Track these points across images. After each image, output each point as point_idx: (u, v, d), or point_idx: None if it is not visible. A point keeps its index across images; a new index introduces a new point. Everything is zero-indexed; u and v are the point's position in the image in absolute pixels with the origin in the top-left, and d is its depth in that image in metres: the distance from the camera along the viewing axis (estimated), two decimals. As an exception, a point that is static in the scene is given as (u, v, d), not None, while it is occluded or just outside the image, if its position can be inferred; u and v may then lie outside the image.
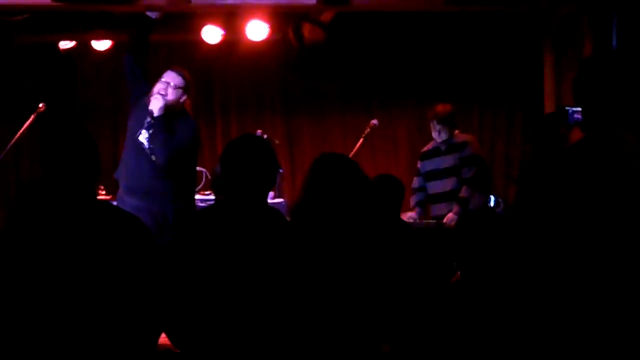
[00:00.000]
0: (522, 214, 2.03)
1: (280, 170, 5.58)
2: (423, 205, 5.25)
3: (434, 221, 5.08)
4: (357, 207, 2.72)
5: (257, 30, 5.77)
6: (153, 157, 4.18)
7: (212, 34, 5.85)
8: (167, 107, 4.19)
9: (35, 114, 4.97)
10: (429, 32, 6.24)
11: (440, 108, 5.17)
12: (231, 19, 5.77)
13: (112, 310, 2.20)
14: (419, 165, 5.36)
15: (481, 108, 6.67)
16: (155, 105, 4.17)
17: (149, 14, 4.49)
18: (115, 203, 4.25)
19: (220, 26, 5.82)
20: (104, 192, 5.50)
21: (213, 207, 2.58)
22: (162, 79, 4.24)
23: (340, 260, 2.59)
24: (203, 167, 5.63)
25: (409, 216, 5.14)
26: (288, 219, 2.72)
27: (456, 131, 5.22)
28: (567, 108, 2.71)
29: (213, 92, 6.68)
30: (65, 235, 2.21)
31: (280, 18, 5.74)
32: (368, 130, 5.25)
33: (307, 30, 5.77)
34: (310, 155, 5.52)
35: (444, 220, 5.02)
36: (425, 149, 5.34)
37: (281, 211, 2.64)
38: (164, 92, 4.20)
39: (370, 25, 6.18)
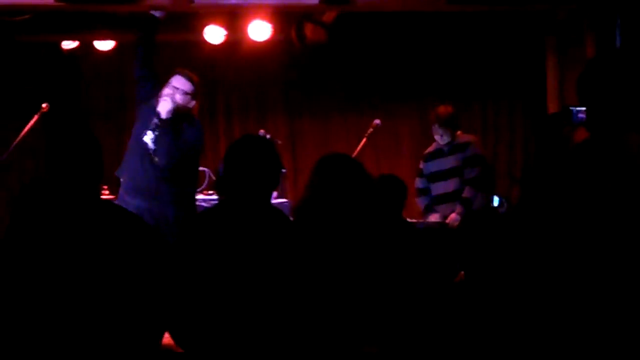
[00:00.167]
0: (526, 215, 2.03)
1: (283, 171, 5.58)
2: (431, 209, 5.24)
3: (437, 221, 5.08)
4: (361, 207, 2.72)
5: (259, 30, 5.77)
6: (156, 159, 4.19)
7: (214, 34, 5.85)
8: (175, 110, 4.19)
9: (38, 114, 4.97)
10: (431, 31, 6.23)
11: (442, 110, 5.17)
12: (234, 19, 5.77)
13: (116, 310, 2.20)
14: (421, 166, 5.35)
15: (484, 108, 6.67)
16: (164, 107, 4.17)
17: (153, 12, 4.49)
18: (116, 202, 4.25)
19: (222, 26, 5.82)
20: (107, 192, 5.50)
21: (217, 207, 2.59)
22: (171, 84, 4.23)
23: (344, 260, 2.59)
24: (206, 167, 5.63)
25: (433, 219, 5.10)
26: (291, 219, 2.72)
27: (458, 132, 5.22)
28: (571, 108, 2.70)
29: (216, 92, 6.68)
30: (69, 235, 2.22)
31: (282, 18, 5.74)
32: (371, 130, 5.25)
33: (309, 30, 5.77)
34: (313, 155, 5.51)
35: (447, 221, 5.01)
36: (428, 150, 5.33)
37: (284, 211, 2.64)
38: (172, 96, 4.19)
39: (373, 25, 6.17)
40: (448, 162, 5.16)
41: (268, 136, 5.39)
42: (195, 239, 2.44)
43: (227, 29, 5.83)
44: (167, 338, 2.46)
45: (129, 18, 5.45)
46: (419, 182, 5.32)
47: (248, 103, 6.77)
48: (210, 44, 5.93)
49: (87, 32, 5.97)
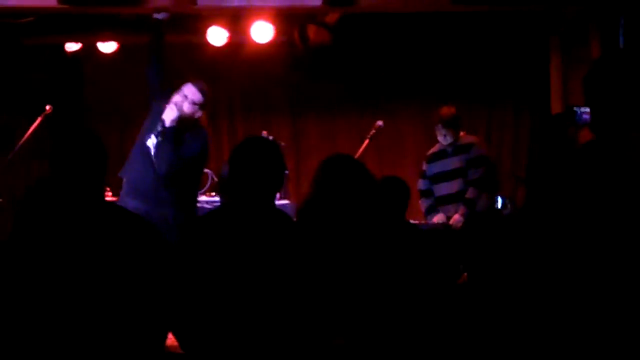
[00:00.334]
0: (531, 216, 2.02)
1: (286, 172, 5.58)
2: (434, 210, 5.24)
3: (440, 222, 5.08)
4: (364, 209, 2.72)
5: (262, 32, 5.77)
6: (156, 165, 4.19)
7: (217, 35, 5.86)
8: (180, 119, 4.19)
9: (42, 115, 4.98)
10: (434, 32, 6.23)
11: (445, 111, 5.16)
12: (236, 21, 5.77)
13: (120, 311, 2.20)
14: (424, 167, 5.34)
15: (488, 108, 6.66)
16: (169, 115, 4.18)
17: (156, 15, 4.50)
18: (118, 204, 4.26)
19: (225, 28, 5.82)
20: (110, 194, 5.50)
21: (221, 209, 2.59)
22: (182, 91, 4.23)
23: (347, 262, 2.59)
24: (209, 168, 5.64)
25: (437, 220, 5.10)
26: (295, 220, 2.72)
27: (462, 133, 5.21)
28: (575, 108, 2.69)
29: (218, 94, 6.68)
30: (74, 236, 2.22)
31: (285, 20, 5.74)
32: (374, 131, 5.25)
33: (312, 31, 5.77)
34: (316, 156, 5.51)
35: (451, 222, 5.01)
36: (431, 151, 5.33)
37: (287, 213, 2.63)
38: (180, 104, 4.19)
39: (376, 26, 6.17)
40: (451, 163, 5.15)
41: (271, 138, 5.39)
42: (199, 240, 2.44)
43: (229, 30, 5.84)
44: (171, 339, 2.46)
45: (132, 20, 5.46)
46: (421, 184, 5.31)
47: (251, 105, 6.77)
48: (213, 45, 5.94)
49: (90, 34, 5.98)
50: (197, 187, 4.47)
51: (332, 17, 5.63)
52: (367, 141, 5.21)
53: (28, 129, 4.96)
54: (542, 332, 2.01)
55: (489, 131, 6.59)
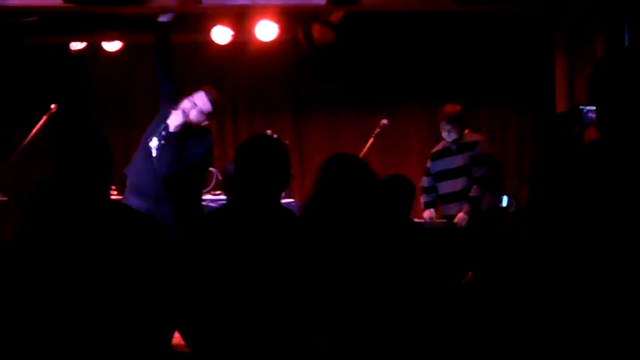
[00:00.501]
0: (535, 215, 2.02)
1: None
2: (433, 206, 5.24)
3: (444, 221, 5.07)
4: (367, 208, 2.72)
5: (266, 30, 5.77)
6: (157, 166, 4.20)
7: (221, 34, 5.86)
8: (185, 125, 4.18)
9: (47, 114, 4.99)
10: (439, 31, 6.22)
11: (449, 108, 5.16)
12: (241, 20, 5.78)
13: (126, 310, 2.21)
14: (428, 165, 5.35)
15: (492, 107, 6.65)
16: (174, 121, 4.17)
17: (161, 19, 4.49)
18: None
19: (229, 27, 5.83)
20: (115, 192, 5.51)
21: (227, 207, 2.59)
22: (193, 98, 4.20)
23: (352, 261, 2.59)
24: (213, 167, 5.64)
25: (425, 217, 5.12)
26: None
27: (466, 131, 5.21)
28: (581, 107, 2.68)
29: (223, 92, 6.67)
30: (79, 235, 2.23)
31: (289, 18, 5.74)
32: (378, 130, 5.25)
33: (316, 30, 5.77)
34: (320, 155, 5.51)
35: (455, 220, 5.01)
36: (435, 149, 5.33)
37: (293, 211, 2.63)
38: (188, 111, 4.18)
39: (380, 25, 6.17)
40: (455, 161, 5.15)
41: (275, 136, 5.39)
42: (206, 237, 2.44)
43: (234, 29, 5.84)
44: (177, 338, 2.46)
45: (137, 19, 5.47)
46: (424, 181, 5.32)
47: (255, 103, 6.77)
48: (217, 44, 5.94)
49: (94, 33, 5.99)
50: (201, 187, 4.47)
51: (336, 16, 5.63)
52: (371, 140, 5.21)
53: (33, 128, 4.97)
54: (547, 330, 2.01)
55: (493, 129, 6.58)
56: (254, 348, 2.35)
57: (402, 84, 6.58)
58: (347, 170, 2.75)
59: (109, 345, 2.19)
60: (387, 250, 2.77)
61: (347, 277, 2.55)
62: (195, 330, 2.39)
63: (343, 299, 2.50)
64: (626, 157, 1.90)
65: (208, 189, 5.39)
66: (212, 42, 5.93)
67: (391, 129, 5.61)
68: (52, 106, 5.01)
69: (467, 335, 2.46)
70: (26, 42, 6.08)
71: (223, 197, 5.36)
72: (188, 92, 4.28)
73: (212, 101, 4.23)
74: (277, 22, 5.72)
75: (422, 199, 5.26)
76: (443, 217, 5.18)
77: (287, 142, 5.87)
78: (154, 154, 4.22)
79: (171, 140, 4.16)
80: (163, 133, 4.18)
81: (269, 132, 5.58)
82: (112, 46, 6.16)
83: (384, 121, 5.29)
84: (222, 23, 5.80)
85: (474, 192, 5.03)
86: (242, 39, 5.96)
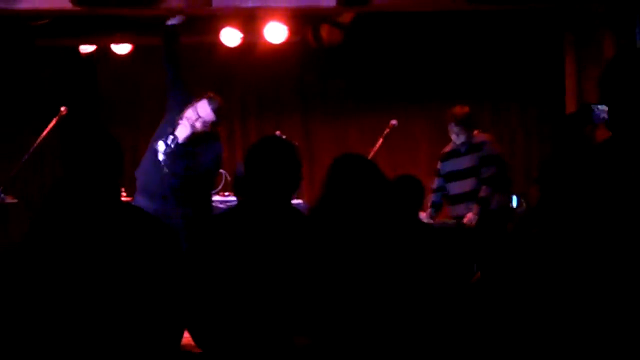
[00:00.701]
0: (545, 215, 2.01)
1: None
2: (437, 207, 5.23)
3: (453, 221, 5.07)
4: (376, 208, 2.72)
5: (275, 32, 5.78)
6: (165, 170, 4.22)
7: (231, 36, 5.88)
8: (193, 136, 4.19)
9: (57, 117, 5.01)
10: (448, 32, 6.22)
11: (458, 110, 5.15)
12: (250, 22, 5.79)
13: (136, 310, 2.21)
14: (438, 166, 5.34)
15: (501, 107, 6.64)
16: (182, 133, 4.19)
17: (170, 22, 4.50)
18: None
19: (239, 29, 5.84)
20: (124, 194, 5.54)
21: (237, 208, 2.60)
22: (196, 109, 4.20)
23: (361, 261, 2.59)
24: (223, 168, 5.66)
25: (421, 217, 5.11)
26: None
27: (475, 131, 5.20)
28: (592, 106, 2.66)
29: (232, 94, 6.70)
30: (90, 236, 2.24)
31: (298, 20, 5.75)
32: (387, 130, 5.25)
33: (325, 31, 5.78)
34: (329, 156, 5.49)
35: (464, 221, 5.00)
36: (445, 150, 5.32)
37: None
38: (192, 121, 4.18)
39: (389, 26, 6.17)
40: (464, 162, 5.14)
41: (284, 137, 5.40)
42: (216, 238, 2.45)
43: (243, 31, 5.85)
44: (187, 338, 2.47)
45: (146, 21, 5.49)
46: (434, 182, 5.31)
47: (264, 104, 6.79)
48: (226, 46, 5.96)
49: (104, 35, 6.02)
50: (210, 190, 4.49)
51: (345, 17, 5.63)
52: (381, 140, 5.20)
53: (43, 130, 4.99)
54: (556, 331, 2.00)
55: (502, 129, 6.56)
56: (264, 348, 2.35)
57: (412, 84, 6.57)
58: (356, 171, 2.75)
59: (119, 344, 2.19)
60: (397, 250, 2.77)
61: (357, 277, 2.55)
62: (205, 330, 2.39)
63: (353, 299, 2.50)
64: (637, 157, 1.88)
65: (217, 190, 5.40)
66: (222, 44, 5.95)
67: (400, 130, 5.60)
68: (62, 109, 5.03)
69: (476, 334, 2.45)
70: (36, 45, 6.11)
71: (232, 198, 5.37)
72: (197, 94, 4.29)
73: (214, 110, 4.22)
74: (287, 23, 5.73)
75: (430, 199, 5.25)
76: (453, 218, 5.17)
77: (296, 143, 5.89)
78: (161, 157, 4.24)
79: (181, 152, 4.18)
80: (172, 145, 4.20)
81: (278, 133, 5.59)
82: (122, 49, 6.19)
83: (394, 122, 5.29)
84: (232, 25, 5.81)
85: (483, 192, 5.02)
86: (252, 40, 5.97)
